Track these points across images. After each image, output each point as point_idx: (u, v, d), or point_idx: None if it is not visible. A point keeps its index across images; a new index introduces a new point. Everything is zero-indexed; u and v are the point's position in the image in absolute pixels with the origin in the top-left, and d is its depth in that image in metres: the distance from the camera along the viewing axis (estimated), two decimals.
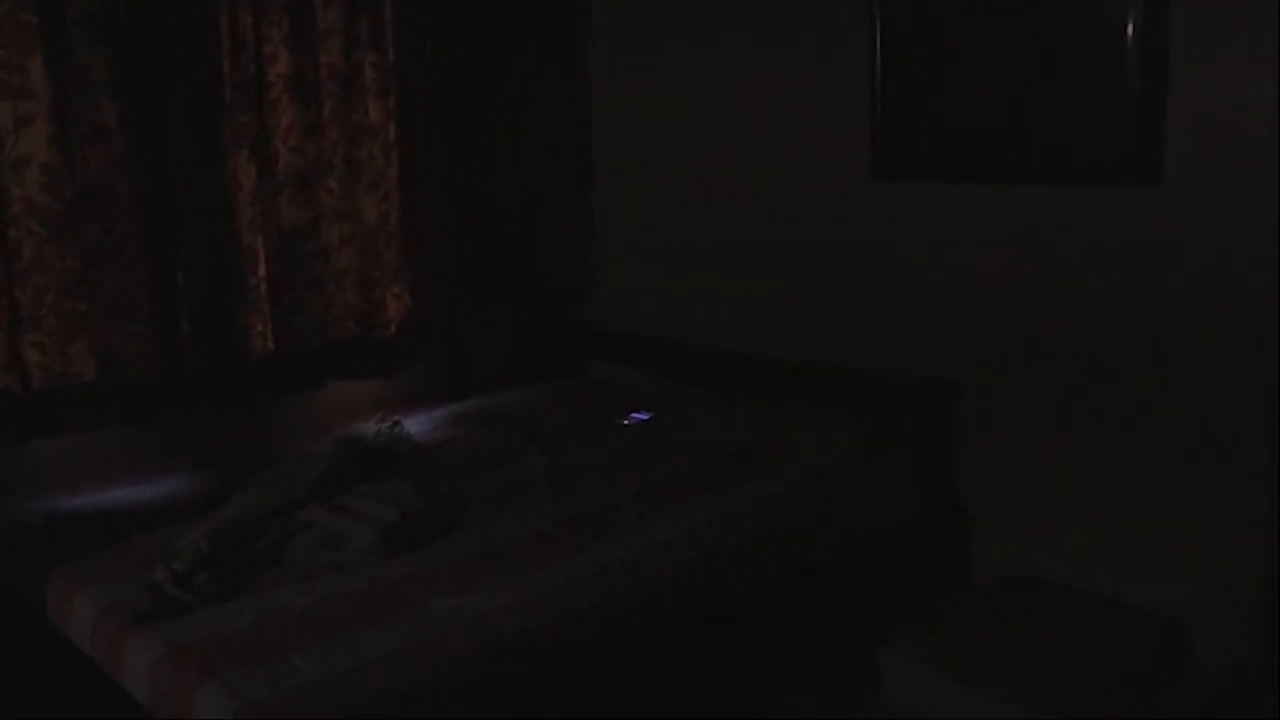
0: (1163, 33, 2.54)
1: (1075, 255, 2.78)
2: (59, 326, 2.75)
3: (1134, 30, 2.57)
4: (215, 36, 2.96)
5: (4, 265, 2.66)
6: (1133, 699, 2.35)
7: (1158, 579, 2.72)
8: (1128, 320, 2.71)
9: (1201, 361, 2.60)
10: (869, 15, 3.06)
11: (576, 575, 2.30)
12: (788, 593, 2.67)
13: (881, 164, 3.13)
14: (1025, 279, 2.88)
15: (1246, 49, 2.43)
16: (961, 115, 2.95)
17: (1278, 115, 2.39)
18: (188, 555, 2.26)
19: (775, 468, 2.93)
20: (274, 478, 2.72)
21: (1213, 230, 2.54)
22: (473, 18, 3.61)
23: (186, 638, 2.05)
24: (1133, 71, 2.59)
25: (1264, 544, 2.51)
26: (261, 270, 3.10)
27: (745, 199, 3.51)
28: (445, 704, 1.95)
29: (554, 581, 2.27)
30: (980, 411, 3.03)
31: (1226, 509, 2.59)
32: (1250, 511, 2.54)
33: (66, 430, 2.82)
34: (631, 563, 2.38)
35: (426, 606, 2.16)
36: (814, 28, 3.24)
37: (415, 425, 3.31)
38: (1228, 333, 2.55)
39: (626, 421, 3.35)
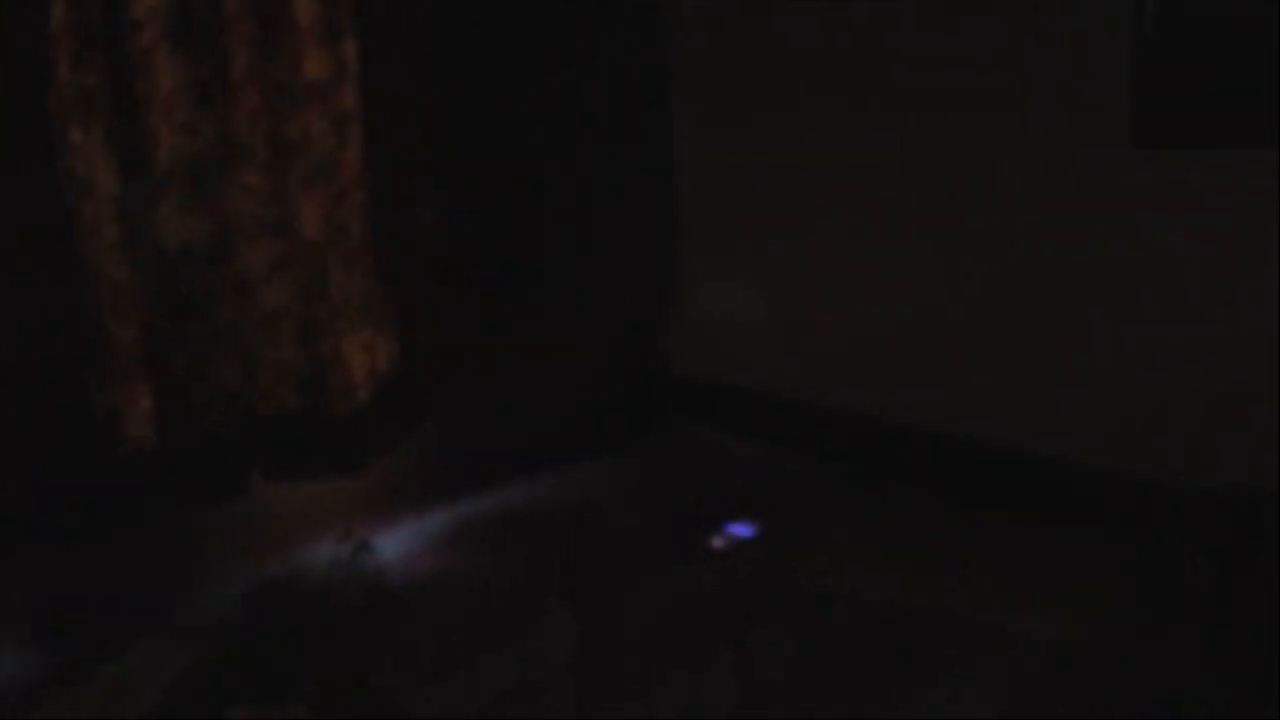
0: None
1: None
2: None
3: None
4: None
5: None
6: None
7: None
8: None
9: None
10: None
11: None
12: None
13: (1148, 120, 2.16)
14: None
15: None
16: None
17: None
18: None
19: (980, 659, 1.81)
20: (94, 694, 1.77)
21: None
22: None
23: None
24: None
25: None
26: (135, 319, 2.17)
27: (909, 181, 2.56)
28: None
29: None
30: None
31: None
32: None
33: None
34: None
35: None
36: None
37: (393, 544, 2.45)
38: None
39: (720, 543, 2.32)
